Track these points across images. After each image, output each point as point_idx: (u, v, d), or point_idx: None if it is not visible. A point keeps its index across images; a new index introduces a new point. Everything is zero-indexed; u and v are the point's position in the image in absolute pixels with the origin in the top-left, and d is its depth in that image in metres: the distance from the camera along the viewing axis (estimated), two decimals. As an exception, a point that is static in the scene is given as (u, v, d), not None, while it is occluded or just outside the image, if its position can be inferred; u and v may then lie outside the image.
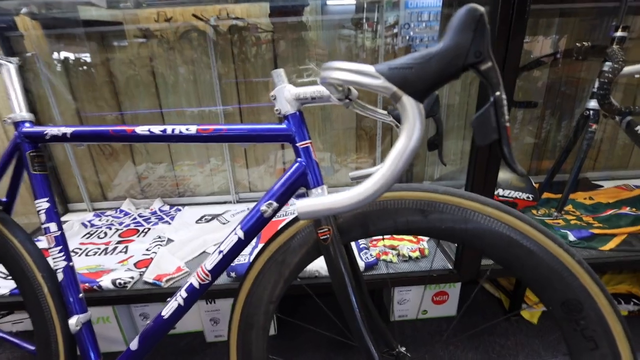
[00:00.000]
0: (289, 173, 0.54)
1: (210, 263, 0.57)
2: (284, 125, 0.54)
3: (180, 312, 0.59)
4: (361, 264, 0.92)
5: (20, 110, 0.63)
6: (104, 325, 1.01)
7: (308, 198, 0.36)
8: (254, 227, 0.56)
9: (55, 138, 0.60)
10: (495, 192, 1.09)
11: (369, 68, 0.32)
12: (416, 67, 0.30)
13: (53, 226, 0.63)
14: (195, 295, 0.59)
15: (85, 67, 1.23)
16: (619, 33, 0.99)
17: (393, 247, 1.00)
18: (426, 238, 1.05)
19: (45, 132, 0.60)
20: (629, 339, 0.47)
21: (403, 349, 0.63)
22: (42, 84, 1.22)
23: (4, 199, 0.68)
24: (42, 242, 1.10)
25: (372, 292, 1.13)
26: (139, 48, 1.21)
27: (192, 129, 0.56)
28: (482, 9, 0.29)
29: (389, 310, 1.12)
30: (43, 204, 0.62)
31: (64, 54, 1.21)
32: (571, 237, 1.02)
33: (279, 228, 0.59)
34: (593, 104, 1.07)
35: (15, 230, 0.66)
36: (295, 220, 0.57)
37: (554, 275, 0.48)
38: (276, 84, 0.53)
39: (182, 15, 1.15)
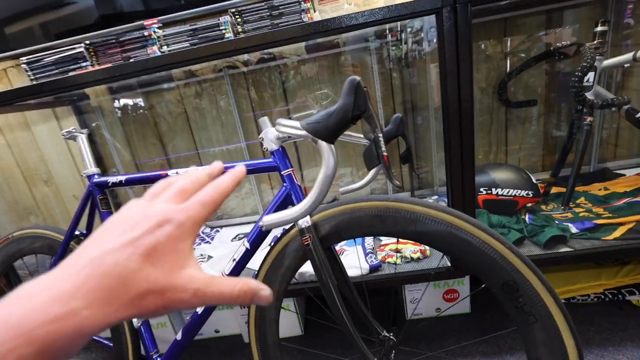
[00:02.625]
0: (278, 196, 0.70)
1: (227, 269, 0.74)
2: (270, 159, 0.70)
3: (209, 309, 0.77)
4: (366, 267, 1.05)
5: (91, 166, 0.87)
6: (162, 329, 1.23)
7: (270, 214, 0.52)
8: (256, 239, 0.72)
9: (115, 184, 0.82)
10: (495, 192, 1.15)
11: (297, 124, 0.48)
12: (322, 121, 0.45)
13: (117, 249, 0.85)
14: (218, 295, 0.76)
15: (136, 113, 1.52)
16: (600, 28, 1.04)
17: (397, 250, 1.11)
18: (429, 240, 1.14)
19: (108, 181, 0.83)
20: (563, 312, 0.55)
21: (389, 334, 0.75)
22: (106, 142, 1.54)
23: (84, 232, 0.93)
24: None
25: (385, 292, 1.23)
26: (175, 90, 1.47)
27: (206, 169, 0.75)
28: (358, 78, 0.43)
29: (404, 309, 1.21)
30: (110, 233, 0.85)
31: (121, 102, 1.51)
32: (573, 230, 1.05)
33: (276, 239, 0.75)
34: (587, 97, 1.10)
35: (92, 254, 0.90)
36: (287, 231, 0.73)
37: (490, 261, 0.58)
38: (262, 128, 0.70)
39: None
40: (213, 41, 1.14)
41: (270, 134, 0.69)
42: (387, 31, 1.31)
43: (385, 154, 0.43)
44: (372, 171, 0.77)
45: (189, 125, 1.52)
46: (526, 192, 1.13)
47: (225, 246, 1.41)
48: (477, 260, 0.59)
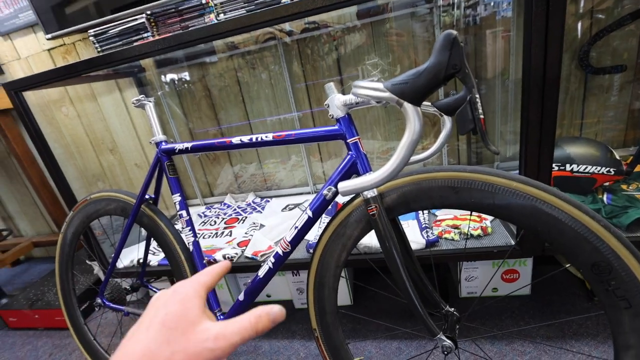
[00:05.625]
0: (343, 164, 0.69)
1: (289, 236, 0.76)
2: (336, 127, 0.69)
3: (270, 273, 0.79)
4: (422, 242, 1.02)
5: (158, 134, 0.90)
6: (219, 291, 1.31)
7: (347, 180, 0.51)
8: (319, 207, 0.72)
9: (181, 151, 0.85)
10: (569, 168, 1.05)
11: (380, 85, 0.45)
12: (410, 81, 0.42)
13: (184, 213, 0.90)
14: (280, 260, 0.77)
15: (187, 85, 1.56)
16: None
17: (456, 227, 1.06)
18: (490, 217, 1.08)
19: (175, 148, 0.86)
20: (665, 299, 0.50)
21: (451, 309, 0.73)
22: (164, 111, 1.60)
23: (153, 196, 0.98)
24: (177, 225, 1.46)
25: (438, 268, 1.20)
26: (227, 62, 1.48)
27: (270, 136, 0.75)
28: (455, 32, 0.39)
29: (458, 287, 1.18)
30: (177, 197, 0.89)
31: (170, 77, 1.56)
32: (662, 212, 0.94)
33: (339, 208, 0.74)
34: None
35: (161, 217, 0.96)
36: (351, 201, 0.72)
37: (580, 240, 0.53)
38: (328, 94, 0.68)
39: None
40: (269, 7, 1.11)
41: (336, 100, 0.66)
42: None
43: (482, 117, 0.39)
44: (439, 142, 0.73)
45: (242, 96, 1.54)
46: (607, 169, 1.02)
47: (276, 216, 1.44)
48: (564, 238, 0.54)
